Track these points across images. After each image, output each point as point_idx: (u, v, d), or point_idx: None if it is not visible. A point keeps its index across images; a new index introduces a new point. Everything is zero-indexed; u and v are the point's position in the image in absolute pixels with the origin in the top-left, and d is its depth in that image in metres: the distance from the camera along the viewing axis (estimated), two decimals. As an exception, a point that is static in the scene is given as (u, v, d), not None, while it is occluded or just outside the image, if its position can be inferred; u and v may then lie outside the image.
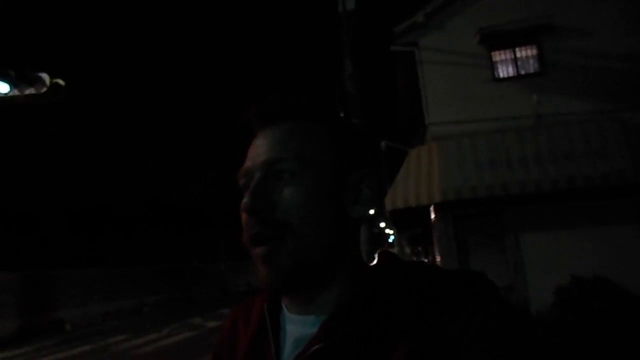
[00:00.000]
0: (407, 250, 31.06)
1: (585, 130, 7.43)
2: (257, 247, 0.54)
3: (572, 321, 6.60)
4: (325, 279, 0.56)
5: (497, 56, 8.53)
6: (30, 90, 4.54)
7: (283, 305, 0.62)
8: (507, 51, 8.50)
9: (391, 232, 37.45)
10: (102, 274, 18.51)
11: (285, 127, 0.58)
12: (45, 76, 4.52)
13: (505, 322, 0.48)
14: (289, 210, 0.53)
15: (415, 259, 21.78)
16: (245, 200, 0.54)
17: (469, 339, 0.47)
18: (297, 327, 0.58)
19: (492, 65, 8.50)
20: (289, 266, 0.53)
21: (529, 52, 8.45)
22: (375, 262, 0.60)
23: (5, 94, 4.44)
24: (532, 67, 8.44)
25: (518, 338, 0.47)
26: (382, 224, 38.86)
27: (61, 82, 4.57)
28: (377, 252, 0.62)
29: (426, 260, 15.16)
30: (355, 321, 0.52)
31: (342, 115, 0.64)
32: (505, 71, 8.51)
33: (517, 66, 8.46)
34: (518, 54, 8.47)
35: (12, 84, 4.43)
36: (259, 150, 0.58)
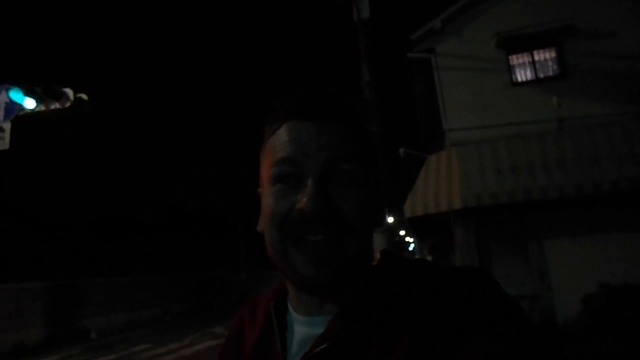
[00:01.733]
0: (429, 258, 30.67)
1: (609, 132, 7.24)
2: (310, 247, 0.53)
3: (602, 331, 6.39)
4: (351, 280, 0.57)
5: (515, 60, 8.42)
6: (55, 105, 4.70)
7: (289, 306, 0.63)
8: (525, 54, 8.38)
9: (411, 240, 37.04)
10: (125, 283, 18.83)
11: (341, 126, 0.56)
12: (69, 91, 4.67)
13: (507, 319, 0.48)
14: (350, 213, 0.53)
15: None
16: (309, 201, 0.52)
17: (472, 335, 0.47)
18: (304, 327, 0.59)
19: (510, 70, 8.39)
20: (343, 267, 0.53)
21: (548, 55, 8.32)
22: (377, 261, 0.61)
23: (33, 109, 4.61)
24: (551, 70, 8.30)
25: (520, 334, 0.47)
26: (402, 232, 38.52)
27: (84, 96, 4.71)
28: (379, 251, 0.62)
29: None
30: (361, 320, 0.53)
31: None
32: (523, 75, 8.39)
33: (535, 69, 8.33)
34: (536, 57, 8.34)
35: (39, 100, 4.60)
36: (310, 144, 0.55)
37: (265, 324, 0.64)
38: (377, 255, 0.62)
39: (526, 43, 8.31)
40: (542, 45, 8.30)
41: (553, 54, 8.28)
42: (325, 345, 0.53)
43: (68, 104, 4.80)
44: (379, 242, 6.41)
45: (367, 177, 0.56)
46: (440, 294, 0.51)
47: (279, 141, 0.57)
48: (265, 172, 0.58)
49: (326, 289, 0.55)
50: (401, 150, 12.69)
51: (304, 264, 0.53)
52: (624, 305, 6.59)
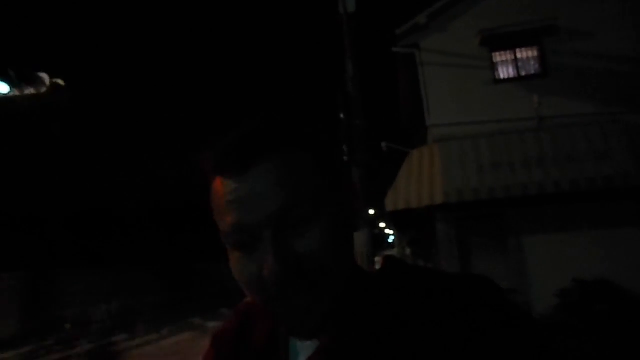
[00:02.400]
0: (408, 251, 31.05)
1: (587, 132, 7.40)
2: (289, 305, 0.50)
3: (575, 324, 6.57)
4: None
5: (498, 57, 8.51)
6: (30, 90, 4.53)
7: None
8: (508, 52, 8.48)
9: (391, 232, 37.42)
10: (102, 274, 18.55)
11: (277, 163, 0.49)
12: (45, 76, 4.50)
13: (512, 326, 0.48)
14: (316, 259, 0.49)
15: (415, 260, 21.76)
16: (269, 270, 0.48)
17: (476, 343, 0.46)
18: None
19: (493, 67, 8.48)
20: (327, 310, 0.51)
21: (530, 54, 8.43)
22: (380, 266, 0.59)
23: (6, 94, 4.43)
24: (532, 68, 8.42)
25: (525, 341, 0.47)
26: (382, 225, 38.86)
27: (61, 82, 4.55)
28: (382, 256, 0.60)
29: (424, 262, 15.15)
30: (361, 328, 0.52)
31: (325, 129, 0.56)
32: (506, 72, 8.50)
33: (517, 67, 8.44)
34: (519, 55, 8.45)
35: (12, 84, 4.43)
36: (252, 200, 0.49)
37: (272, 329, 0.62)
38: (380, 261, 0.60)
39: (509, 41, 8.40)
40: (525, 44, 8.41)
41: (535, 53, 8.40)
42: (327, 348, 0.52)
43: (44, 90, 4.64)
44: (361, 236, 6.43)
45: (328, 204, 0.51)
46: (445, 302, 0.50)
47: (219, 201, 0.52)
48: (221, 234, 0.54)
49: (317, 333, 0.53)
50: (383, 145, 12.76)
51: (289, 322, 0.52)
52: (595, 300, 6.78)
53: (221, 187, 0.51)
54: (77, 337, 11.73)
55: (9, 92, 4.43)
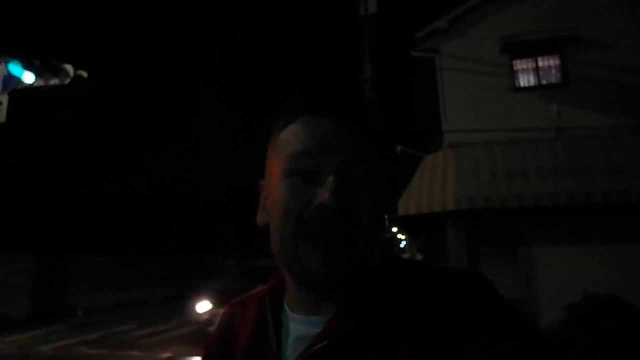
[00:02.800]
0: (419, 256, 30.86)
1: (605, 145, 7.29)
2: (322, 244, 0.52)
3: (582, 339, 6.48)
4: (355, 279, 0.56)
5: (518, 65, 8.43)
6: (54, 81, 4.65)
7: (285, 304, 0.62)
8: (529, 60, 8.39)
9: (403, 237, 37.20)
10: (113, 262, 18.83)
11: (358, 125, 0.56)
12: (69, 67, 4.62)
13: (504, 319, 0.49)
14: (365, 213, 0.53)
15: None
16: (330, 197, 0.51)
17: (471, 337, 0.48)
18: (301, 326, 0.58)
19: (513, 75, 8.40)
20: (353, 267, 0.53)
21: (552, 62, 8.33)
22: (374, 261, 0.60)
23: (31, 83, 4.56)
24: (553, 77, 8.32)
25: (517, 334, 0.48)
26: (394, 229, 38.64)
27: (84, 73, 4.67)
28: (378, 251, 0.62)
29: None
30: (359, 320, 0.53)
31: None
32: (526, 81, 8.41)
33: (538, 76, 8.35)
34: (540, 64, 8.35)
35: (38, 74, 4.55)
36: (330, 141, 0.54)
37: (258, 321, 0.63)
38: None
39: (530, 49, 8.31)
40: (546, 52, 8.31)
41: (557, 62, 8.29)
42: (322, 344, 0.52)
43: (67, 81, 4.75)
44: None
45: (382, 179, 0.57)
46: (438, 295, 0.52)
47: (295, 135, 0.56)
48: (278, 164, 0.57)
49: (333, 288, 0.54)
50: (398, 148, 12.70)
51: (315, 262, 0.52)
52: (605, 315, 6.68)
53: (303, 125, 0.56)
54: (87, 324, 11.94)
55: (34, 82, 4.56)
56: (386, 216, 0.63)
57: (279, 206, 0.55)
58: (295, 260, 0.54)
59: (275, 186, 0.56)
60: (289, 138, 0.56)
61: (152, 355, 8.45)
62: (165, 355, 8.40)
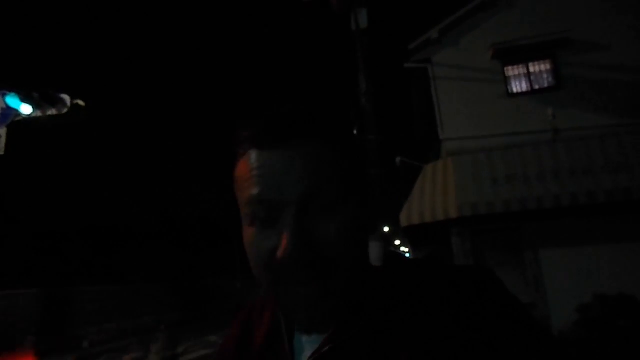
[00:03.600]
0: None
1: (605, 144, 7.30)
2: (298, 290, 0.50)
3: (597, 340, 6.38)
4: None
5: (511, 71, 8.51)
6: (52, 111, 4.68)
7: None
8: (521, 66, 8.47)
9: (406, 250, 37.00)
10: (119, 291, 18.68)
11: (311, 148, 0.50)
12: (66, 97, 4.66)
13: (513, 318, 0.49)
14: (334, 247, 0.49)
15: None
16: (285, 250, 0.47)
17: (478, 335, 0.47)
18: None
19: (506, 80, 8.47)
20: (334, 304, 0.51)
21: (543, 67, 8.40)
22: (381, 262, 0.60)
23: (29, 115, 4.59)
24: (546, 81, 8.38)
25: (526, 332, 0.48)
26: (397, 242, 38.46)
27: (81, 103, 4.70)
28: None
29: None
30: (368, 320, 0.52)
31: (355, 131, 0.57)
32: (519, 86, 8.47)
33: (530, 81, 8.41)
34: (532, 69, 8.43)
35: (36, 106, 4.59)
36: (282, 176, 0.49)
37: (272, 326, 0.63)
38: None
39: (522, 55, 8.40)
40: (538, 57, 8.39)
41: (548, 66, 8.37)
42: (331, 346, 0.52)
43: (65, 110, 4.78)
44: (375, 251, 6.39)
45: (351, 198, 0.52)
46: (445, 295, 0.51)
47: (245, 176, 0.52)
48: (240, 206, 0.54)
49: (320, 327, 0.53)
50: (398, 160, 12.72)
51: (296, 309, 0.51)
52: (619, 316, 6.59)
53: (254, 161, 0.51)
54: (94, 355, 11.79)
55: (32, 113, 4.59)
56: (375, 220, 0.61)
57: (250, 258, 0.53)
58: (281, 306, 0.54)
59: (244, 230, 0.54)
60: (243, 180, 0.52)
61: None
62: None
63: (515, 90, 8.46)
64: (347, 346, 0.52)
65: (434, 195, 7.74)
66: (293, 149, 0.50)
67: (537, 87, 8.39)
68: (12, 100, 4.65)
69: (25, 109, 4.71)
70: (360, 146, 0.57)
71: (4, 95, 4.53)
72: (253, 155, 0.51)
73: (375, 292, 0.55)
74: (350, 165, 0.53)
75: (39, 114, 4.73)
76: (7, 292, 13.56)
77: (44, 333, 14.16)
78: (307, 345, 0.57)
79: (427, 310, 0.50)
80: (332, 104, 0.56)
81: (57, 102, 4.77)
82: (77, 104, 4.85)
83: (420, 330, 0.49)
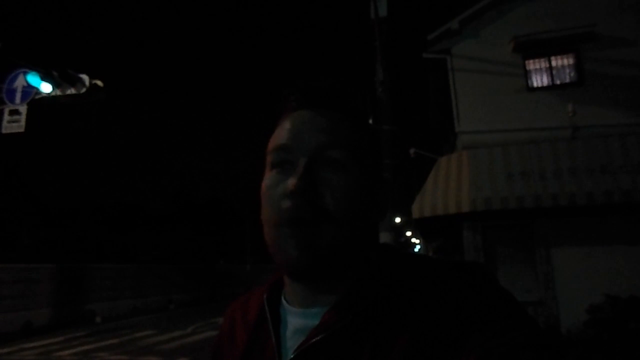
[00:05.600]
0: (434, 259, 30.54)
1: (624, 142, 7.14)
2: (295, 229, 0.53)
3: (607, 341, 6.33)
4: (343, 271, 0.56)
5: (532, 65, 8.33)
6: (71, 90, 4.76)
7: (283, 299, 0.63)
8: (542, 60, 8.28)
9: (417, 241, 36.93)
10: (131, 269, 19.06)
11: (334, 115, 0.57)
12: (85, 77, 4.72)
13: (504, 314, 0.49)
14: (334, 200, 0.54)
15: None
16: (293, 180, 0.53)
17: (469, 330, 0.47)
18: (299, 319, 0.58)
19: (526, 74, 8.31)
20: (323, 253, 0.53)
21: (565, 61, 8.21)
22: (375, 253, 0.60)
23: (49, 93, 4.67)
24: (568, 76, 8.20)
25: (515, 324, 0.47)
26: (409, 233, 38.40)
27: (100, 83, 4.76)
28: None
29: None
30: (358, 311, 0.53)
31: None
32: (539, 80, 8.30)
33: (552, 75, 8.23)
34: (553, 63, 8.24)
35: (55, 84, 4.66)
36: (304, 131, 0.56)
37: (258, 317, 0.63)
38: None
39: (544, 48, 8.21)
40: (560, 51, 8.20)
41: (571, 61, 8.18)
42: (321, 336, 0.53)
43: (83, 90, 4.85)
44: (385, 241, 6.40)
45: (361, 166, 0.56)
46: (437, 288, 0.51)
47: (280, 131, 0.59)
48: (266, 155, 0.60)
49: (310, 275, 0.55)
50: (412, 151, 12.64)
51: (291, 248, 0.53)
52: (630, 317, 6.52)
53: (287, 121, 0.59)
54: (106, 330, 12.09)
55: (51, 92, 4.67)
56: (383, 206, 0.62)
57: (264, 199, 0.58)
58: (278, 248, 0.55)
59: (264, 177, 0.60)
60: (275, 134, 0.59)
61: (170, 360, 8.50)
62: (183, 360, 8.45)
63: (535, 84, 8.30)
64: (334, 337, 0.52)
65: (447, 188, 7.68)
66: (319, 110, 0.57)
67: (558, 81, 8.22)
68: (33, 79, 4.73)
69: (46, 87, 4.78)
70: (376, 131, 0.62)
71: (25, 74, 4.61)
72: (290, 115, 0.59)
73: (368, 283, 0.55)
74: (361, 141, 0.58)
75: (58, 92, 4.81)
76: (23, 265, 13.95)
77: (59, 307, 14.55)
78: (295, 335, 0.57)
79: (420, 305, 0.51)
80: (358, 87, 0.62)
81: (76, 82, 4.83)
82: (95, 84, 4.91)
83: (408, 324, 0.50)
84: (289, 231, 0.53)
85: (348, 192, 0.54)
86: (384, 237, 6.46)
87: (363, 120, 0.61)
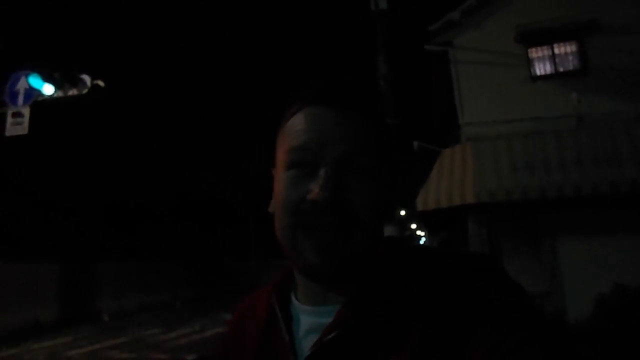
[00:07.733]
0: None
1: (630, 131, 7.08)
2: (313, 233, 0.53)
3: (614, 331, 6.32)
4: (357, 268, 0.57)
5: (535, 53, 8.26)
6: (73, 91, 4.76)
7: (293, 297, 0.63)
8: (545, 48, 8.20)
9: (422, 234, 36.93)
10: (137, 267, 19.16)
11: (359, 118, 0.56)
12: (87, 78, 4.72)
13: (510, 305, 0.49)
14: (363, 207, 0.53)
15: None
16: (321, 190, 0.52)
17: (479, 325, 0.47)
18: (312, 317, 0.58)
19: (529, 64, 8.24)
20: (347, 257, 0.53)
21: (569, 49, 8.13)
22: (383, 250, 0.60)
23: (51, 95, 4.67)
24: (571, 64, 8.12)
25: (522, 320, 0.47)
26: (413, 226, 38.39)
27: (101, 83, 4.76)
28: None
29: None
30: (371, 308, 0.53)
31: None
32: (543, 69, 8.23)
33: (555, 64, 8.16)
34: (557, 51, 8.16)
35: (57, 86, 4.66)
36: (328, 134, 0.54)
37: (268, 317, 0.63)
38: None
39: (546, 36, 8.14)
40: (563, 39, 8.12)
41: (574, 48, 8.10)
42: (335, 333, 0.53)
43: (85, 91, 4.85)
44: (390, 234, 6.39)
45: (381, 172, 0.56)
46: (448, 282, 0.52)
47: (297, 127, 0.57)
48: (281, 156, 0.58)
49: (331, 277, 0.55)
50: (415, 144, 12.59)
51: (311, 253, 0.53)
52: (638, 307, 6.50)
53: (304, 117, 0.57)
54: (114, 328, 12.16)
55: (54, 93, 4.67)
56: (393, 209, 0.63)
57: (279, 198, 0.57)
58: (294, 250, 0.55)
59: (277, 178, 0.59)
60: (292, 130, 0.57)
61: (180, 358, 8.56)
62: (192, 357, 8.50)
63: (538, 72, 8.23)
64: (348, 335, 0.53)
65: (451, 180, 7.66)
66: (342, 113, 0.55)
67: (561, 69, 8.15)
68: (35, 81, 4.72)
69: (48, 89, 4.78)
70: (392, 131, 0.62)
71: (27, 76, 4.61)
72: (307, 110, 0.57)
73: (380, 280, 0.56)
74: (385, 144, 0.58)
75: (60, 94, 4.81)
76: (30, 264, 14.03)
77: (66, 305, 14.66)
78: (308, 333, 0.57)
79: (431, 300, 0.51)
80: (372, 84, 0.62)
81: (78, 83, 4.83)
82: (97, 84, 4.91)
83: (423, 319, 0.50)
84: (307, 235, 0.53)
85: (376, 200, 0.55)
86: (389, 231, 6.45)
87: (386, 124, 0.61)
